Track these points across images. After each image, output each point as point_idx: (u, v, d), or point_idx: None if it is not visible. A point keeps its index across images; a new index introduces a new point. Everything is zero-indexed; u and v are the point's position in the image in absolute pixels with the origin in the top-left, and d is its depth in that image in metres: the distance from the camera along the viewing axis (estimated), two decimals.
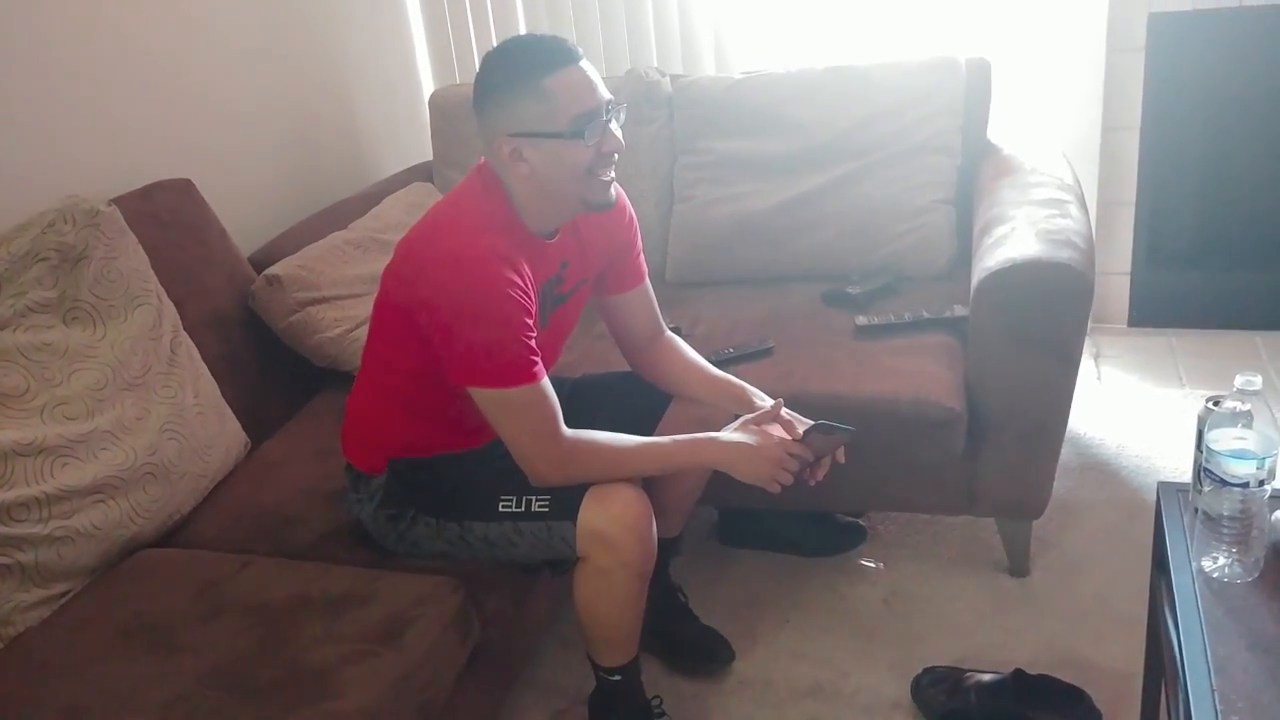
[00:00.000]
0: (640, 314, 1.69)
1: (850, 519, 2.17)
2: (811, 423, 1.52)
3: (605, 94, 1.39)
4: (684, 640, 1.87)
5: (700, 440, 1.49)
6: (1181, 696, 1.14)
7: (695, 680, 1.82)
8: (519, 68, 1.36)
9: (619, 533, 1.42)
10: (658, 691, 1.73)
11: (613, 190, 1.46)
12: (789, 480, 1.48)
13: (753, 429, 1.51)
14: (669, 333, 1.73)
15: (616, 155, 1.42)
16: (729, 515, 2.19)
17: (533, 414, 1.41)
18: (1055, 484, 1.93)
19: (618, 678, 1.59)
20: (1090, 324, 2.89)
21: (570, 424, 1.46)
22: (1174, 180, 2.78)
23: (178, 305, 1.81)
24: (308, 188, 2.54)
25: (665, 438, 1.51)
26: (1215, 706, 1.06)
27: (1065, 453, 2.35)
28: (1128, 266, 2.90)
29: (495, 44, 1.45)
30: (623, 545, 1.42)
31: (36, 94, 1.83)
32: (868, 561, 2.10)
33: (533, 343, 1.39)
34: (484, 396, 1.40)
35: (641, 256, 1.68)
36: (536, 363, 1.40)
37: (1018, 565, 2.00)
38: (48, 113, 1.86)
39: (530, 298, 1.40)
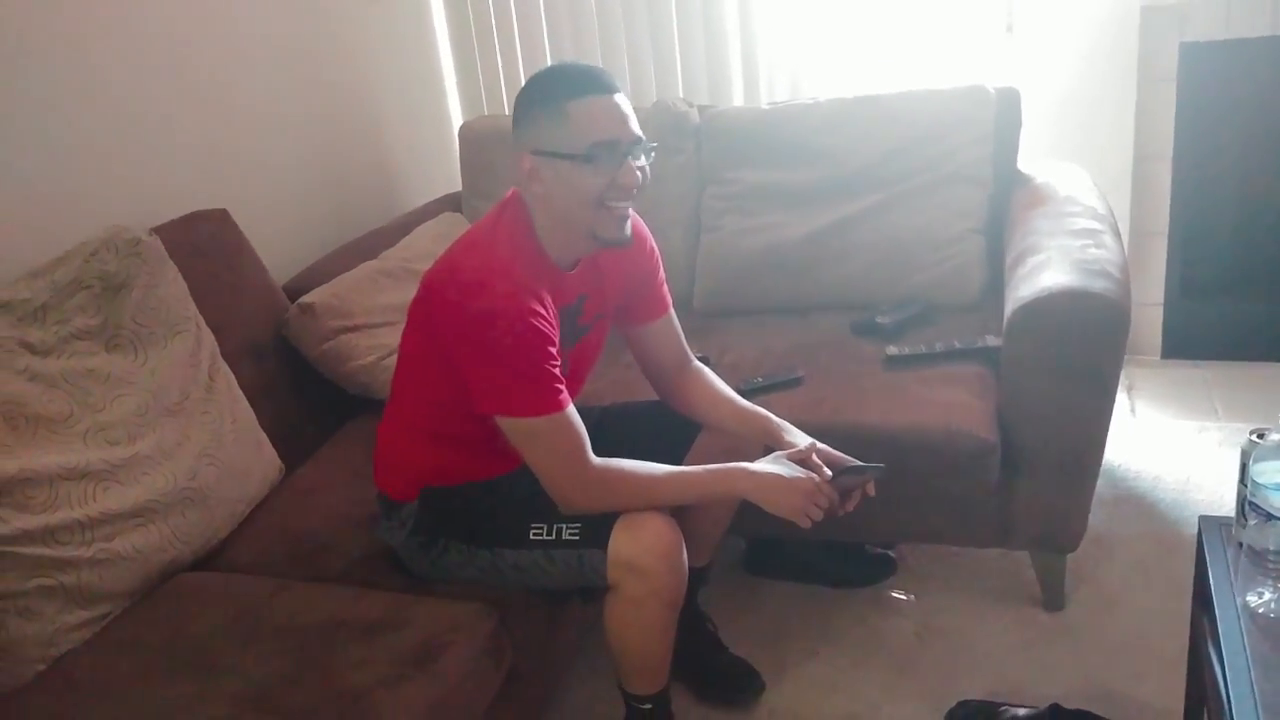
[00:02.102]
0: (666, 344, 1.70)
1: (880, 550, 2.15)
2: (843, 466, 1.51)
3: (634, 130, 1.41)
4: (713, 670, 1.85)
5: (731, 470, 1.49)
6: None
7: (724, 710, 1.81)
8: (550, 88, 1.40)
9: (650, 562, 1.42)
10: None
11: (627, 228, 1.46)
12: (819, 516, 1.48)
13: (784, 461, 1.51)
14: (697, 362, 1.74)
15: (635, 191, 1.43)
16: (757, 545, 2.18)
17: (560, 442, 1.41)
18: (1090, 516, 1.91)
19: (648, 706, 1.58)
20: (1125, 355, 2.89)
21: (599, 452, 1.47)
22: (1207, 210, 2.76)
23: (215, 333, 1.83)
24: (339, 218, 2.58)
25: (696, 467, 1.51)
26: None
27: (1099, 485, 2.30)
28: (1161, 297, 2.87)
29: (523, 76, 1.48)
30: (654, 574, 1.42)
31: (80, 125, 1.88)
32: (898, 593, 2.08)
33: (558, 371, 1.40)
34: (511, 425, 1.41)
35: (665, 287, 1.69)
36: (562, 391, 1.41)
37: (1052, 599, 1.97)
38: (91, 143, 1.90)
39: (554, 327, 1.41)
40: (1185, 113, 2.66)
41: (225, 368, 1.79)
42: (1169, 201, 2.76)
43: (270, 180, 2.38)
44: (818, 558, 2.12)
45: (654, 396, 1.76)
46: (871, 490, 1.55)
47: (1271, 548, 1.21)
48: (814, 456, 1.52)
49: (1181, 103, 2.65)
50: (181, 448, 1.60)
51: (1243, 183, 2.71)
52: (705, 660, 1.86)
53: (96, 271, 1.58)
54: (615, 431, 1.70)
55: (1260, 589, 1.24)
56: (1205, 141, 2.68)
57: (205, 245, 1.96)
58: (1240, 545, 1.32)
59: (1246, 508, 1.27)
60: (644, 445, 1.58)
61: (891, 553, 2.15)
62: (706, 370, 1.73)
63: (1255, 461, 1.24)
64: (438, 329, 1.41)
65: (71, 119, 1.86)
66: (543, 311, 1.39)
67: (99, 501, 1.46)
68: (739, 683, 1.84)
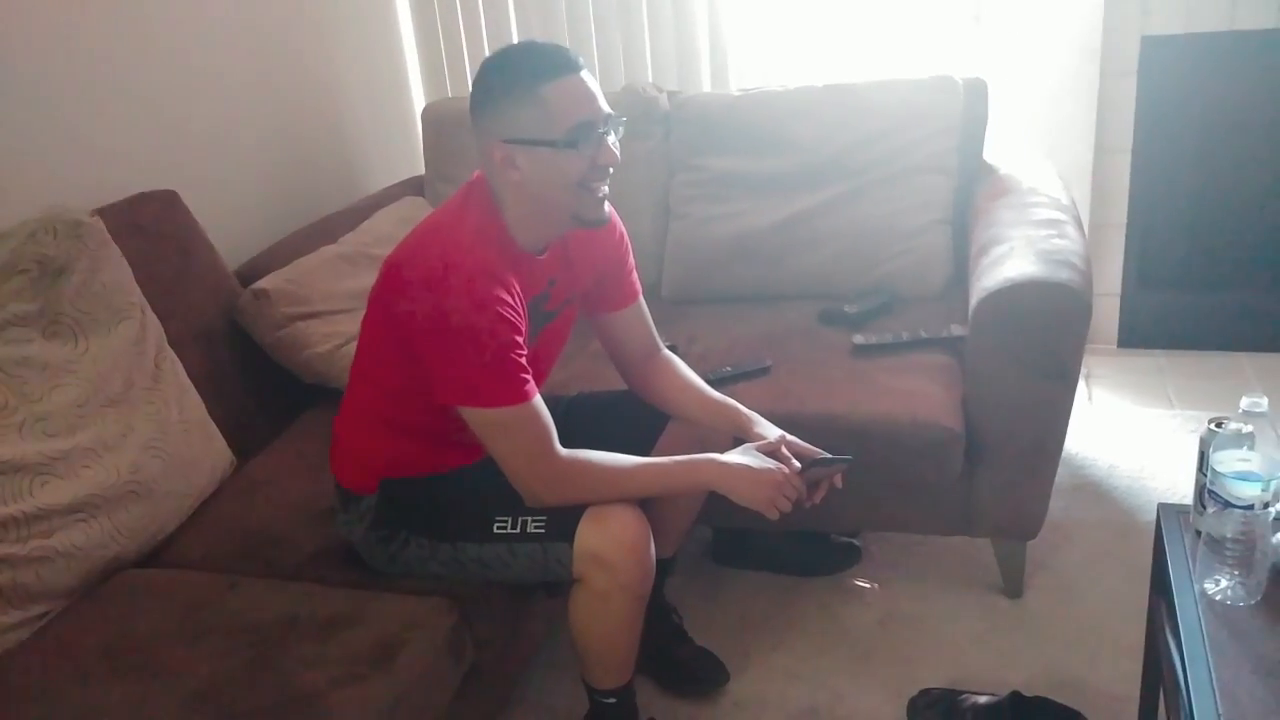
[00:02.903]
0: (635, 332, 1.67)
1: (845, 539, 2.15)
2: (811, 460, 1.50)
3: (605, 107, 1.37)
4: (678, 661, 1.84)
5: (699, 461, 1.47)
6: None
7: (690, 701, 1.79)
8: (518, 73, 1.34)
9: (617, 554, 1.39)
10: (652, 712, 1.71)
11: (606, 206, 1.43)
12: (787, 507, 1.46)
13: (754, 452, 1.49)
14: (666, 351, 1.71)
15: (611, 169, 1.40)
16: (723, 535, 2.17)
17: (525, 433, 1.38)
18: (1049, 504, 1.92)
19: (612, 700, 1.56)
20: None
21: (565, 443, 1.43)
22: (1164, 202, 2.79)
23: (162, 320, 1.77)
24: (296, 201, 2.51)
25: (664, 458, 1.49)
26: None
27: (1058, 473, 2.34)
28: (1118, 288, 2.90)
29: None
30: (621, 567, 1.39)
31: (19, 104, 1.80)
32: (862, 582, 2.08)
33: (524, 361, 1.37)
34: (475, 417, 1.37)
35: (635, 274, 1.66)
36: (528, 381, 1.37)
37: (1013, 586, 1.98)
38: (30, 123, 1.82)
39: (520, 316, 1.37)
40: (1145, 106, 2.68)
41: (172, 356, 1.73)
42: (1128, 193, 2.79)
43: (224, 161, 2.31)
44: (783, 547, 2.11)
45: (622, 386, 1.73)
46: (839, 482, 1.54)
47: (1229, 535, 1.21)
48: (783, 449, 1.51)
49: (1142, 96, 2.67)
50: (125, 440, 1.54)
51: (1200, 176, 2.74)
52: (670, 651, 1.84)
53: (34, 254, 1.51)
54: (582, 422, 1.67)
55: (1217, 576, 1.24)
56: (1164, 135, 2.71)
57: (152, 227, 1.88)
58: (1198, 533, 1.32)
59: (1205, 495, 1.28)
60: (612, 436, 1.55)
61: (856, 541, 2.15)
62: (675, 359, 1.71)
63: (1214, 450, 1.24)
64: (399, 317, 1.37)
65: (10, 99, 1.78)
66: (509, 300, 1.35)
67: (35, 496, 1.40)
68: (704, 673, 1.83)
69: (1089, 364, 2.88)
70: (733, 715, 1.77)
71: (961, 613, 1.96)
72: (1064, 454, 2.40)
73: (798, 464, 1.48)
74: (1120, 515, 2.21)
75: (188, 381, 1.74)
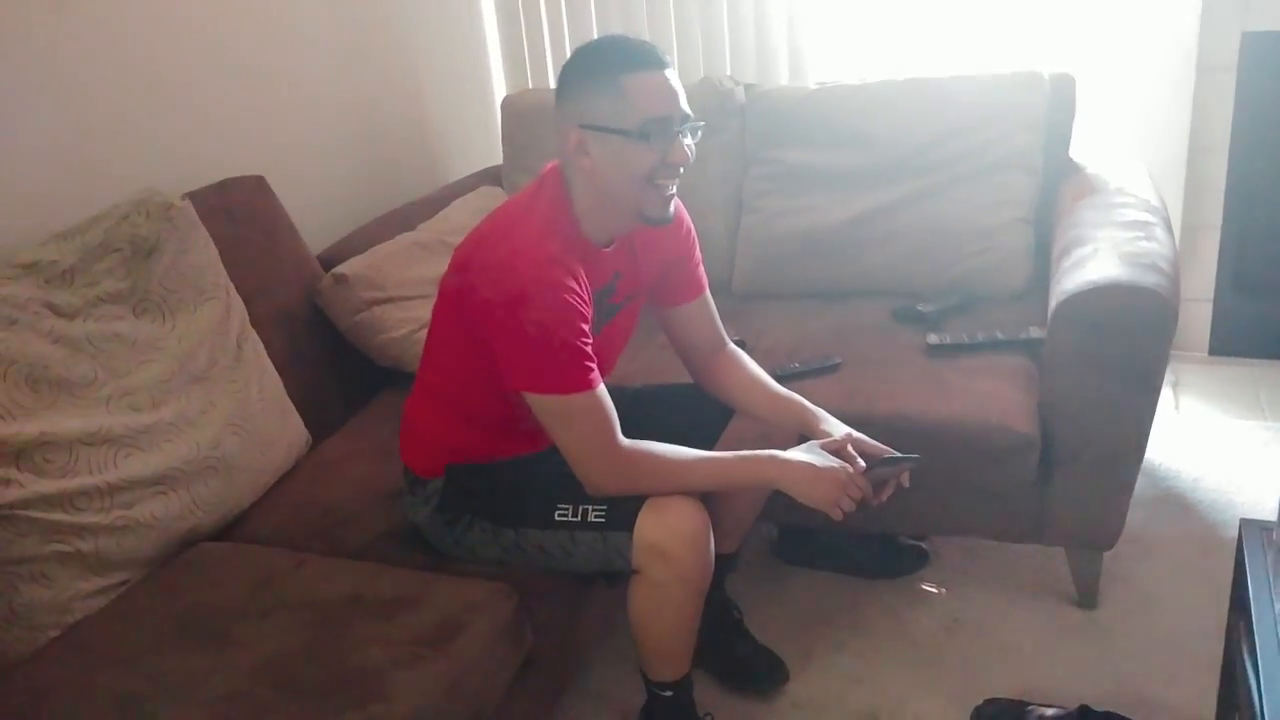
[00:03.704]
0: (700, 326, 1.66)
1: (913, 542, 2.11)
2: (878, 458, 1.48)
3: (685, 107, 1.38)
4: (738, 658, 1.83)
5: (762, 458, 1.46)
6: None
7: (748, 699, 1.78)
8: (603, 61, 1.36)
9: (676, 547, 1.39)
10: (711, 708, 1.69)
11: (671, 207, 1.43)
12: (851, 506, 1.44)
13: (818, 450, 1.47)
14: (732, 346, 1.70)
15: (682, 169, 1.40)
16: (789, 533, 2.15)
17: (589, 421, 1.39)
18: (1129, 514, 1.85)
19: (669, 693, 1.56)
20: (1171, 351, 2.81)
21: (629, 434, 1.44)
22: (1261, 204, 2.66)
23: (246, 301, 1.82)
24: (377, 188, 2.56)
25: (726, 453, 1.48)
26: None
27: (1140, 483, 2.25)
28: (1211, 293, 2.79)
29: (569, 50, 1.44)
30: (680, 560, 1.39)
31: (114, 88, 1.87)
32: (930, 586, 2.04)
33: (589, 349, 1.37)
34: (540, 403, 1.39)
35: (701, 268, 1.66)
36: (593, 369, 1.38)
37: (1086, 597, 1.92)
38: (124, 106, 1.89)
39: (587, 304, 1.38)
40: (1243, 103, 2.56)
41: (254, 336, 1.78)
42: (1223, 194, 2.67)
43: (308, 148, 2.37)
44: (849, 547, 2.09)
45: (687, 379, 1.73)
46: (906, 481, 1.51)
47: None
48: (849, 447, 1.49)
49: (1240, 93, 2.56)
50: (206, 415, 1.59)
51: None
52: (730, 648, 1.83)
53: (127, 235, 1.57)
54: (647, 414, 1.67)
55: None
56: (1262, 134, 2.58)
57: (239, 211, 1.94)
58: None
59: None
60: (676, 429, 1.55)
61: (924, 544, 2.11)
62: (742, 354, 1.70)
63: None
64: (468, 303, 1.39)
65: (108, 83, 1.85)
66: (576, 288, 1.36)
67: (119, 468, 1.45)
68: (763, 672, 1.81)
69: (1177, 371, 2.78)
70: (791, 715, 1.75)
71: (1031, 622, 1.91)
72: (1146, 464, 2.33)
73: (862, 463, 1.46)
74: (1203, 529, 2.13)
75: (268, 362, 1.79)
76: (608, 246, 1.47)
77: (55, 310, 1.49)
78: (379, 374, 2.06)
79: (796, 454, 1.46)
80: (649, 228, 1.48)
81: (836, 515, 1.44)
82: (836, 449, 1.47)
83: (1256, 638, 1.20)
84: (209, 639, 1.34)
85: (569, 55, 1.41)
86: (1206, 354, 2.85)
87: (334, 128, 2.44)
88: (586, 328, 1.37)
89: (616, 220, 1.45)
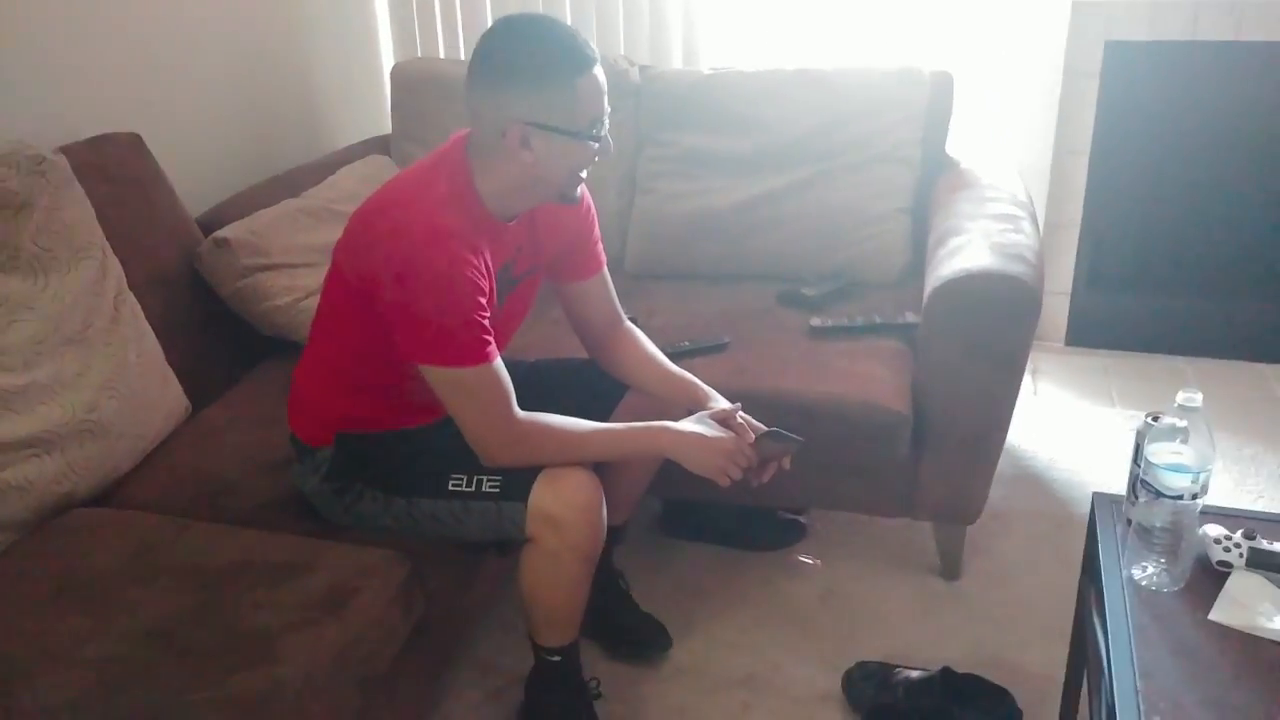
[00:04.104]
0: (598, 303, 1.69)
1: (791, 516, 2.20)
2: (766, 429, 1.54)
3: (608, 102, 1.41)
4: (623, 626, 1.88)
5: (654, 428, 1.50)
6: (1107, 698, 1.18)
7: (633, 665, 1.84)
8: (554, 61, 1.34)
9: (570, 515, 1.42)
10: (595, 674, 1.74)
11: (581, 187, 1.48)
12: (738, 475, 1.50)
13: (707, 421, 1.52)
14: (629, 323, 1.73)
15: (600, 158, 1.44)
16: (673, 506, 2.21)
17: (485, 394, 1.40)
18: (990, 492, 1.98)
19: (557, 659, 1.59)
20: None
21: (524, 407, 1.45)
22: (1118, 205, 2.87)
23: (121, 262, 1.75)
24: (261, 152, 2.49)
25: (620, 424, 1.52)
26: (1139, 708, 1.11)
27: (1000, 463, 2.41)
28: (1069, 287, 2.98)
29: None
30: (572, 528, 1.42)
31: None
32: (806, 558, 2.13)
33: (486, 323, 1.38)
34: (436, 375, 1.39)
35: (600, 245, 1.68)
36: (490, 343, 1.39)
37: (950, 569, 2.05)
38: None
39: (486, 279, 1.39)
40: (1105, 109, 2.75)
41: (132, 298, 1.71)
42: (1083, 195, 2.86)
43: (189, 107, 2.28)
44: (730, 521, 2.16)
45: (582, 354, 1.76)
46: (787, 464, 1.57)
47: (1157, 524, 1.27)
48: (737, 417, 1.54)
49: (1103, 99, 2.74)
50: (82, 378, 1.53)
51: (1154, 181, 2.82)
52: (616, 616, 1.88)
53: None
54: (542, 387, 1.69)
55: (1145, 563, 1.30)
56: (1122, 139, 2.78)
57: (114, 170, 1.86)
58: (1129, 522, 1.38)
59: (1138, 486, 1.34)
60: (571, 402, 1.58)
61: (802, 518, 2.20)
62: (637, 331, 1.73)
63: (1149, 442, 1.30)
64: (364, 273, 1.38)
65: None
66: (475, 262, 1.37)
67: None
68: (647, 639, 1.87)
69: (1036, 359, 2.96)
70: (673, 680, 1.81)
71: (900, 592, 2.02)
72: (1007, 445, 2.49)
73: (752, 434, 1.52)
74: (1057, 506, 2.29)
75: (146, 325, 1.73)
76: (509, 220, 1.49)
77: None
78: (261, 341, 2.02)
79: (687, 424, 1.51)
80: (555, 205, 1.50)
81: (724, 482, 1.49)
82: (725, 419, 1.53)
83: (1105, 601, 1.30)
84: (89, 603, 1.30)
85: (503, 42, 1.35)
86: (1064, 344, 3.05)
87: (215, 88, 2.36)
88: (484, 301, 1.38)
89: (529, 200, 1.47)
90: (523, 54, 1.35)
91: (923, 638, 1.89)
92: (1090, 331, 3.02)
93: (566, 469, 1.44)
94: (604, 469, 1.71)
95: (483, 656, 1.86)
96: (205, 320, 1.97)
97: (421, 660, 1.52)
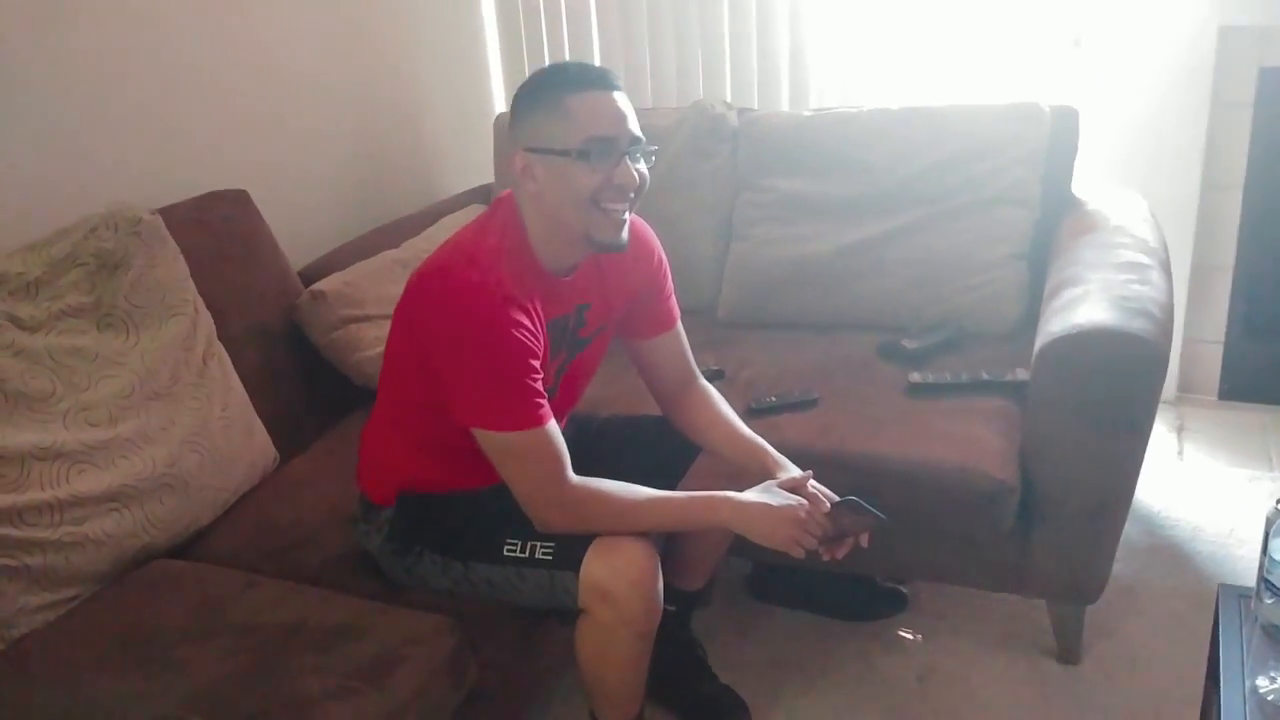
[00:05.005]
0: (670, 359, 1.63)
1: (892, 585, 2.06)
2: (841, 499, 1.43)
3: (633, 129, 1.35)
4: (700, 697, 1.78)
5: (716, 499, 1.42)
6: None
7: None
8: (549, 83, 1.34)
9: (622, 589, 1.35)
10: None
11: (624, 233, 1.39)
12: (812, 544, 1.40)
13: (774, 490, 1.43)
14: (704, 382, 1.66)
15: (632, 194, 1.36)
16: (763, 570, 2.10)
17: (537, 459, 1.36)
18: (1119, 566, 1.79)
19: None
20: (1177, 394, 2.74)
21: (594, 465, 1.41)
22: (1276, 245, 2.59)
23: (221, 315, 1.81)
24: (370, 202, 2.55)
25: (679, 493, 1.44)
26: None
27: (1134, 532, 2.20)
28: (1222, 335, 2.71)
29: None
30: (625, 602, 1.36)
31: (92, 100, 1.86)
32: (906, 633, 1.98)
33: (539, 385, 1.34)
34: (487, 438, 1.36)
35: (673, 300, 1.62)
36: (543, 405, 1.35)
37: (1068, 652, 1.86)
38: (104, 119, 1.88)
39: (538, 339, 1.35)
40: (1260, 141, 2.49)
41: (222, 352, 1.77)
42: (1237, 234, 2.60)
43: (297, 162, 2.36)
44: (826, 587, 2.04)
45: (658, 411, 1.69)
46: (865, 541, 1.46)
47: None
48: (809, 485, 1.44)
49: (1257, 130, 2.49)
50: (165, 433, 1.58)
51: None
52: (692, 686, 1.79)
53: (93, 248, 1.57)
54: (612, 445, 1.65)
55: (1273, 672, 1.12)
56: (1279, 172, 2.51)
57: (218, 225, 1.94)
58: (1257, 621, 1.20)
59: (1263, 583, 1.16)
60: (641, 461, 1.53)
61: (904, 589, 2.06)
62: (713, 391, 1.66)
63: (1275, 535, 1.13)
64: (418, 332, 1.36)
65: (83, 95, 1.84)
66: (526, 322, 1.33)
67: (71, 483, 1.44)
68: (726, 713, 1.77)
69: (1184, 415, 2.70)
70: None
71: (1009, 675, 1.85)
72: (1144, 512, 2.28)
73: (826, 503, 1.42)
74: (1198, 584, 2.06)
75: (235, 379, 1.78)
76: (568, 276, 1.44)
77: (17, 323, 1.49)
78: (355, 393, 2.04)
79: (752, 494, 1.42)
80: (613, 255, 1.44)
81: (797, 553, 1.40)
82: (795, 486, 1.43)
83: (1222, 712, 1.14)
84: (147, 660, 1.33)
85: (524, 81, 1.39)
86: (1216, 398, 2.77)
87: (324, 141, 2.43)
88: (536, 363, 1.34)
89: (570, 247, 1.41)
90: (528, 84, 1.36)
91: None
92: (1247, 384, 2.73)
93: (621, 539, 1.38)
94: (679, 534, 1.64)
95: None
96: (302, 372, 2.02)
97: None
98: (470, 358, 1.30)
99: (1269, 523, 1.19)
